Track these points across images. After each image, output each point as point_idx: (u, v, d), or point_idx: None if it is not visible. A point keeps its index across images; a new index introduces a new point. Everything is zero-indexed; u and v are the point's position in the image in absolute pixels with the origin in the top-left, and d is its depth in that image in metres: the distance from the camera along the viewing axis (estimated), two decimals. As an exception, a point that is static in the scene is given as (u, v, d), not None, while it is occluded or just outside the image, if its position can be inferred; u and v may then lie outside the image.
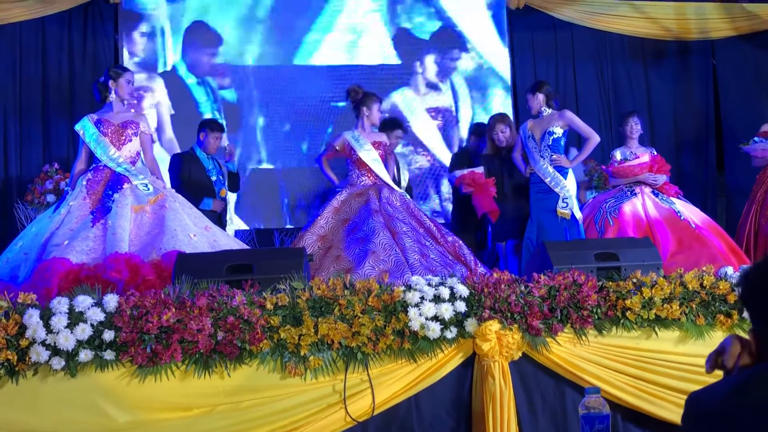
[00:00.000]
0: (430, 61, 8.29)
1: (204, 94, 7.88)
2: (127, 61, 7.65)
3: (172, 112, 7.81)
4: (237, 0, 7.99)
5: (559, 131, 5.71)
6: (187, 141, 7.10)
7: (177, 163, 6.33)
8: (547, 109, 5.80)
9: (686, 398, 1.59)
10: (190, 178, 6.20)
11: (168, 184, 5.60)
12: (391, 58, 8.23)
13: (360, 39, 8.17)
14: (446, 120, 8.29)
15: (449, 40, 8.37)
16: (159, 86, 7.85)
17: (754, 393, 1.41)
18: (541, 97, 5.79)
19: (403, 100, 8.20)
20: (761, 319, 1.56)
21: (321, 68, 8.08)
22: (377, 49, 8.20)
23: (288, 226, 7.69)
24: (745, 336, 1.65)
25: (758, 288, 1.55)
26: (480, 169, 6.03)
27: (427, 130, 8.23)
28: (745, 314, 3.51)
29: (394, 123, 6.68)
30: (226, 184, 6.44)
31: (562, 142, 5.76)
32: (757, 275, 1.57)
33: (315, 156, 6.47)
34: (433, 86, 8.31)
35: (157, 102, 7.80)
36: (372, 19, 8.21)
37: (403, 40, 8.26)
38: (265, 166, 7.93)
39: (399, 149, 7.01)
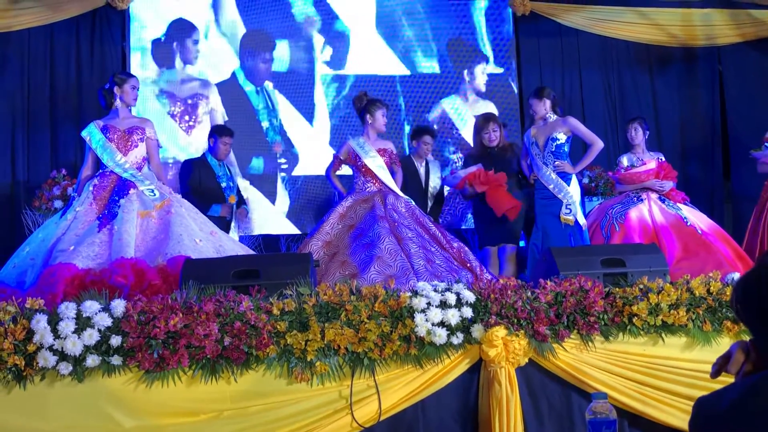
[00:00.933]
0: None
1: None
2: (135, 68, 7.68)
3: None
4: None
5: (562, 138, 5.71)
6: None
7: (188, 169, 6.36)
8: (552, 115, 5.80)
9: (694, 403, 1.58)
10: (201, 184, 6.23)
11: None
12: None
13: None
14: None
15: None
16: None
17: (762, 399, 1.41)
18: (548, 103, 5.80)
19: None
20: (754, 329, 1.55)
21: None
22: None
23: (294, 232, 7.70)
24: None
25: (747, 299, 1.55)
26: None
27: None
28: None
29: (422, 130, 6.70)
30: (236, 191, 6.48)
31: (566, 149, 5.75)
32: (745, 287, 1.56)
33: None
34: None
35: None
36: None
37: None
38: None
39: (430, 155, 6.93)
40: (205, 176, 6.28)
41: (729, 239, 5.84)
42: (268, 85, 7.97)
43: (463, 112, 8.26)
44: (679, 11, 8.62)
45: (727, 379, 1.66)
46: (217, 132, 6.47)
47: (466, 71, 8.36)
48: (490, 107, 8.18)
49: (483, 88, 8.36)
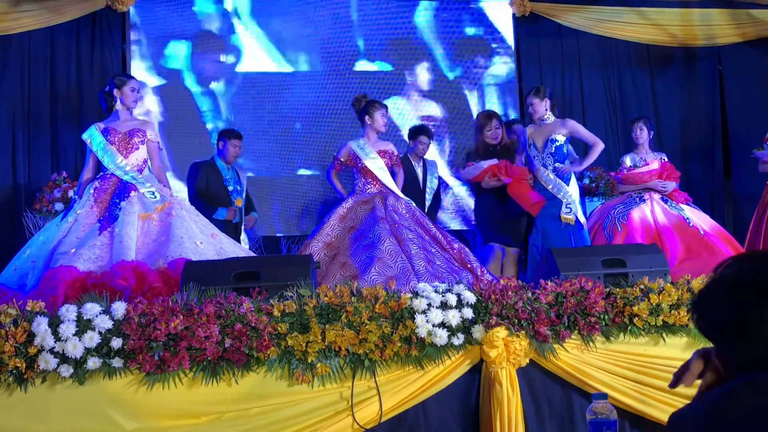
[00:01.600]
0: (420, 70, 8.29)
1: (209, 102, 7.92)
2: (136, 70, 7.69)
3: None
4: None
5: (561, 139, 5.71)
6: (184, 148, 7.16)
7: (195, 172, 6.35)
8: (550, 116, 5.80)
9: (669, 417, 1.56)
10: (208, 188, 6.22)
11: (185, 192, 5.60)
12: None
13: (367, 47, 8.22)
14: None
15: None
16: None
17: (742, 402, 1.39)
18: (548, 102, 5.80)
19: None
20: (715, 342, 1.53)
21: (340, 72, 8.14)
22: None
23: (295, 234, 7.70)
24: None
25: (705, 312, 1.53)
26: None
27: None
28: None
29: (419, 129, 6.66)
30: (244, 194, 6.46)
31: (565, 150, 5.75)
32: (704, 299, 1.53)
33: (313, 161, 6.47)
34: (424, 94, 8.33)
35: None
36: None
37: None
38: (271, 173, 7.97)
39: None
40: (212, 179, 6.26)
41: (731, 240, 5.84)
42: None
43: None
44: (679, 11, 8.62)
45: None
46: (225, 135, 6.45)
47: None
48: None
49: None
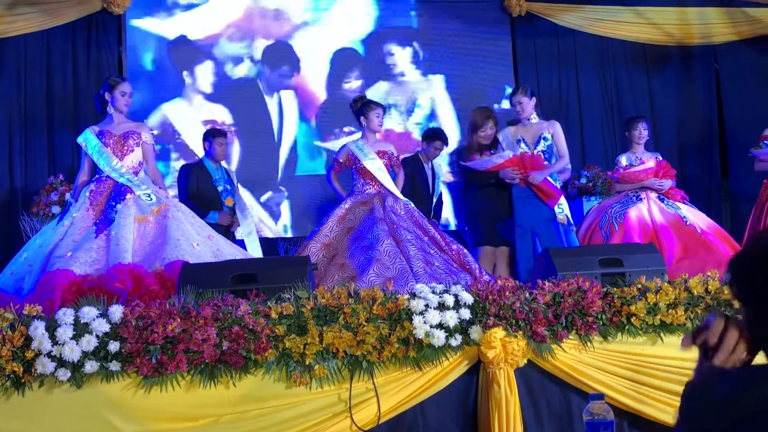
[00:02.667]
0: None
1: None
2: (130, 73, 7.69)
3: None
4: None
5: (550, 138, 5.74)
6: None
7: (185, 174, 6.34)
8: (535, 116, 5.82)
9: (684, 387, 1.51)
10: (198, 189, 6.20)
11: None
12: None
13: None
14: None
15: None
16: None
17: (763, 390, 1.37)
18: (535, 102, 5.81)
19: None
20: (754, 309, 1.48)
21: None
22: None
23: (292, 235, 7.70)
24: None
25: (746, 278, 1.49)
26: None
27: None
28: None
29: (435, 134, 6.62)
30: (234, 193, 6.43)
31: (552, 150, 5.78)
32: (744, 265, 1.49)
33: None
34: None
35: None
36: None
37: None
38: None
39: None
40: (202, 181, 6.25)
41: (728, 238, 5.84)
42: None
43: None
44: (675, 9, 8.63)
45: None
46: (210, 134, 6.44)
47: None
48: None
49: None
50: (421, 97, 8.26)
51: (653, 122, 8.43)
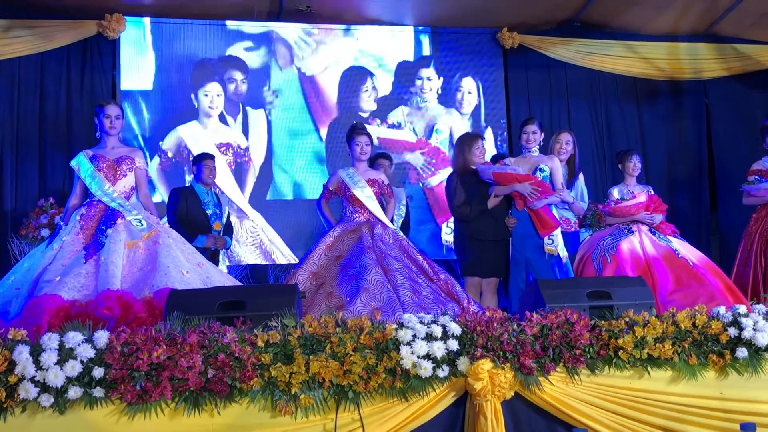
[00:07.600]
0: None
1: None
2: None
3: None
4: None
5: (547, 171, 5.77)
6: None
7: (175, 198, 6.35)
8: (536, 150, 5.88)
9: None
10: (188, 214, 6.21)
11: (165, 219, 5.57)
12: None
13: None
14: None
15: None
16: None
17: None
18: (542, 137, 5.91)
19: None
20: None
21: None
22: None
23: (282, 262, 7.69)
24: None
25: None
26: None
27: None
28: (739, 353, 3.50)
29: (379, 155, 6.78)
30: (223, 218, 6.44)
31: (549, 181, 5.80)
32: None
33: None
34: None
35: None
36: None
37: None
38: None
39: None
40: (191, 205, 6.27)
41: (719, 272, 5.84)
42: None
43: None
44: (666, 44, 8.74)
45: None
46: (198, 159, 6.53)
47: None
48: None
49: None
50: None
51: (644, 155, 8.50)
